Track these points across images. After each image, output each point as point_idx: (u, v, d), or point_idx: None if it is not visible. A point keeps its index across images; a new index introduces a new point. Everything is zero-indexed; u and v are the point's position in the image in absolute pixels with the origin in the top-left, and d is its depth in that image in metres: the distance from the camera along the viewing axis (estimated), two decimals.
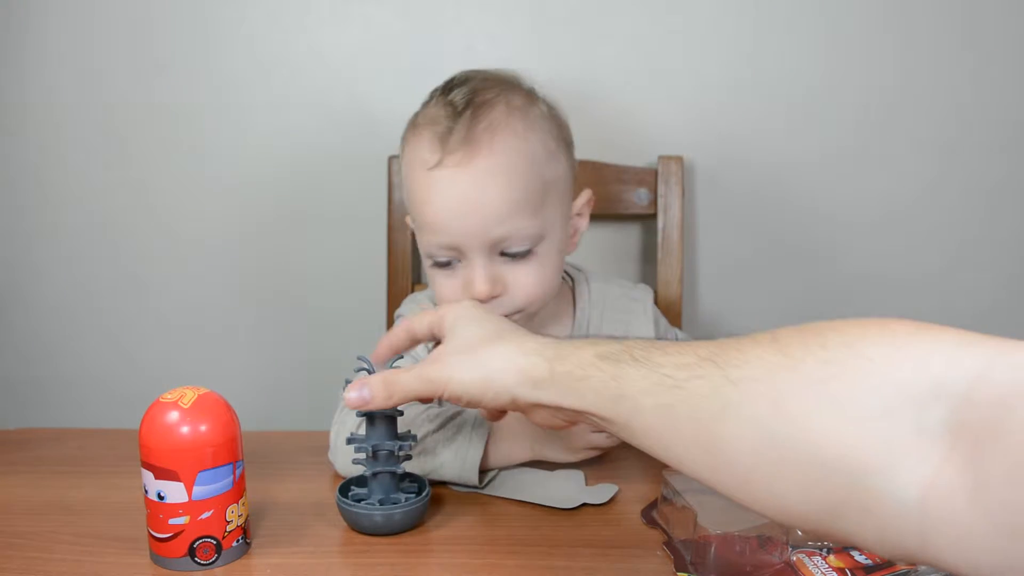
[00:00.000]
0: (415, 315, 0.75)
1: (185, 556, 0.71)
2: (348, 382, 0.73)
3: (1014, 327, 1.32)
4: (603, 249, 1.34)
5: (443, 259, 0.91)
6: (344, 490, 0.80)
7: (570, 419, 0.64)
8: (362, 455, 0.77)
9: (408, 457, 0.79)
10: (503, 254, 0.90)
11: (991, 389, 0.43)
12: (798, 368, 0.49)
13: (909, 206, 1.31)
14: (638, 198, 1.27)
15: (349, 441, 0.78)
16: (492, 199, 0.87)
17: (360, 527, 0.77)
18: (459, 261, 0.91)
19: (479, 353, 0.66)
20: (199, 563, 0.71)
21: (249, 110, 1.31)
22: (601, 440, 0.86)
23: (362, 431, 0.81)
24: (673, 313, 1.23)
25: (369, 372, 0.74)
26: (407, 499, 0.77)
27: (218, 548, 0.72)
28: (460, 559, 0.73)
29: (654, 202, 1.26)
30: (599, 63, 1.28)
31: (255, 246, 1.35)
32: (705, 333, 1.34)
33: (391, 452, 0.77)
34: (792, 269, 1.33)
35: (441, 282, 0.93)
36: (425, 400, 0.76)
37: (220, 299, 1.37)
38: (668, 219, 1.26)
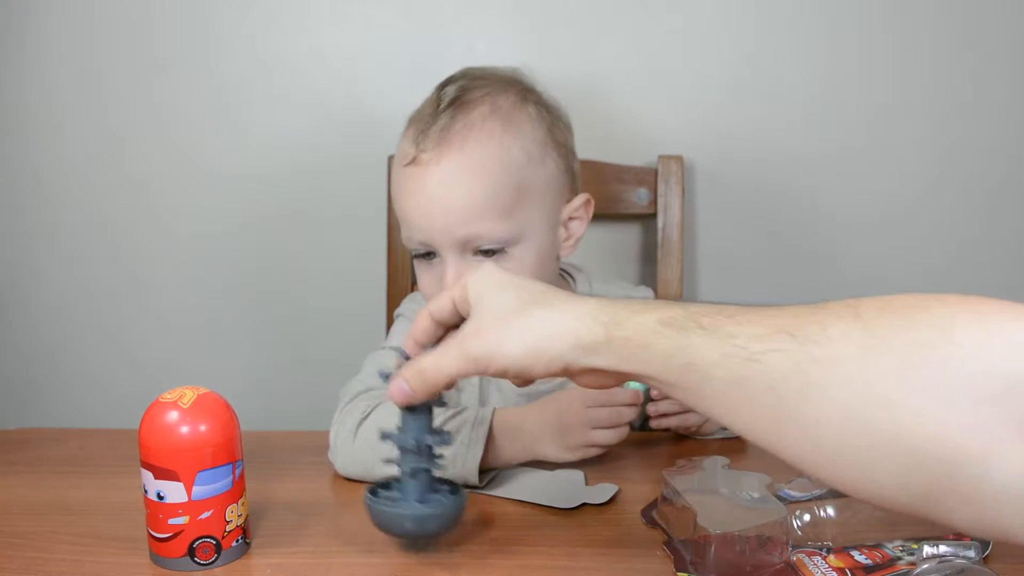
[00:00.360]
0: (432, 301, 0.68)
1: (185, 556, 0.71)
2: (385, 376, 0.68)
3: None
4: (603, 249, 1.34)
5: (420, 251, 0.93)
6: (373, 494, 0.73)
7: (625, 380, 0.60)
8: (396, 452, 0.71)
9: (442, 456, 0.72)
10: (476, 252, 0.90)
11: None
12: (887, 350, 0.47)
13: (909, 205, 1.31)
14: (638, 198, 1.27)
15: (384, 437, 0.71)
16: (456, 199, 0.88)
17: (402, 530, 0.71)
18: (437, 255, 0.92)
19: (522, 321, 0.60)
20: (199, 563, 0.71)
21: (249, 110, 1.31)
22: (602, 438, 0.86)
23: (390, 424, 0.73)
24: None
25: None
26: (444, 499, 0.71)
27: (218, 548, 0.72)
28: (460, 559, 0.73)
29: (654, 202, 1.26)
30: (599, 63, 1.28)
31: (255, 246, 1.35)
32: None
33: (430, 449, 0.70)
34: (792, 268, 1.33)
35: (422, 275, 0.95)
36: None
37: (220, 299, 1.37)
38: (668, 219, 1.26)
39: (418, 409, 0.69)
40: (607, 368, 0.58)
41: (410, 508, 0.70)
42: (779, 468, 0.86)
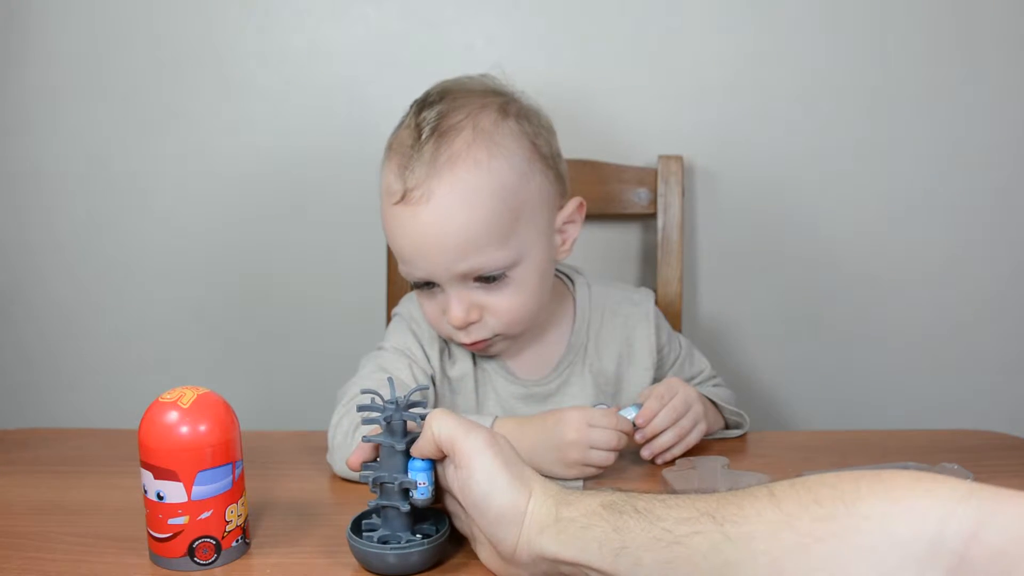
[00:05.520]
0: (442, 429, 0.68)
1: (184, 556, 0.71)
2: (365, 408, 0.71)
3: (1017, 325, 1.32)
4: (603, 249, 1.34)
5: (420, 282, 0.92)
6: (356, 526, 0.73)
7: (562, 572, 0.62)
8: (372, 483, 0.71)
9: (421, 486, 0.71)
10: (477, 280, 0.90)
11: (986, 547, 0.44)
12: (794, 526, 0.49)
13: (909, 206, 1.31)
14: (638, 198, 1.27)
15: (364, 467, 0.72)
16: (451, 235, 0.87)
17: (371, 567, 0.70)
18: (437, 286, 0.92)
19: (493, 489, 0.64)
20: (198, 563, 0.71)
21: (249, 110, 1.31)
22: (599, 459, 0.85)
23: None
24: (673, 313, 1.23)
25: (384, 412, 0.71)
26: (422, 538, 0.71)
27: (217, 548, 0.72)
28: (459, 558, 0.73)
29: (654, 202, 1.26)
30: (599, 63, 1.28)
31: (255, 246, 1.35)
32: (705, 333, 1.34)
33: (407, 492, 0.70)
34: (792, 269, 1.33)
35: (423, 302, 0.95)
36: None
37: (220, 299, 1.37)
38: (668, 219, 1.26)
39: (399, 449, 0.70)
40: (551, 555, 0.61)
41: (388, 548, 0.69)
42: (779, 468, 0.86)
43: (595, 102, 1.28)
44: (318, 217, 1.34)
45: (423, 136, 0.88)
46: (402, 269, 0.93)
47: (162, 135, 1.32)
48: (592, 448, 0.84)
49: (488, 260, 0.89)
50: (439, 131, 0.88)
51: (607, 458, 0.85)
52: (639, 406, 0.89)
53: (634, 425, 0.89)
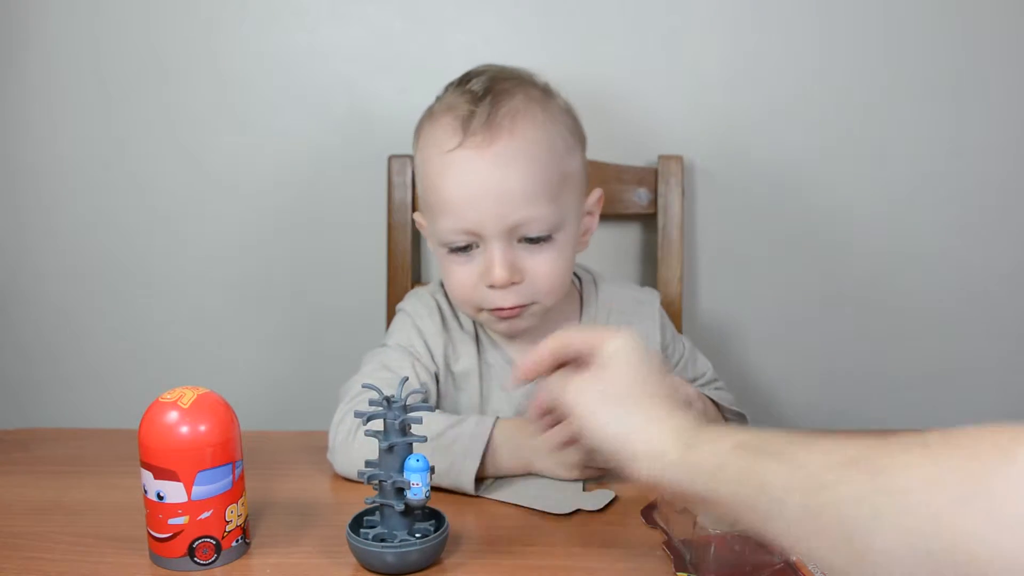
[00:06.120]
0: (569, 333, 0.72)
1: (184, 556, 0.71)
2: (361, 414, 0.71)
3: (1018, 325, 1.32)
4: (603, 249, 1.34)
5: (460, 243, 0.90)
6: (357, 523, 0.74)
7: (690, 506, 0.64)
8: (368, 481, 0.72)
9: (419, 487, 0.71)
10: (520, 240, 0.89)
11: None
12: (952, 480, 0.48)
13: (909, 205, 1.31)
14: (638, 198, 1.27)
15: (367, 464, 0.73)
16: (511, 183, 0.87)
17: (370, 566, 0.71)
18: (476, 246, 0.90)
19: (623, 409, 0.66)
20: (198, 563, 0.71)
21: (249, 109, 1.31)
22: (600, 459, 0.84)
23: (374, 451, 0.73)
24: (673, 313, 1.23)
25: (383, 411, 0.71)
26: (422, 536, 0.71)
27: (217, 548, 0.72)
28: (459, 559, 0.73)
29: (654, 202, 1.26)
30: (599, 63, 1.28)
31: (255, 246, 1.35)
32: (705, 332, 1.34)
33: (401, 491, 0.71)
34: (792, 269, 1.33)
35: (455, 269, 0.92)
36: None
37: (220, 298, 1.37)
38: (668, 219, 1.26)
39: (397, 447, 0.71)
40: (679, 487, 0.62)
41: (388, 546, 0.70)
42: None
43: (595, 102, 1.27)
44: (318, 216, 1.34)
45: (479, 94, 0.89)
46: (444, 226, 0.89)
47: (162, 135, 1.32)
48: (592, 448, 0.84)
49: (539, 215, 0.88)
50: (495, 91, 0.90)
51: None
52: None
53: None
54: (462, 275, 0.92)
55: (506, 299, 0.91)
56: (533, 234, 0.89)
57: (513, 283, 0.90)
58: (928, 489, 0.49)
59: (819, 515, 0.53)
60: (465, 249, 0.90)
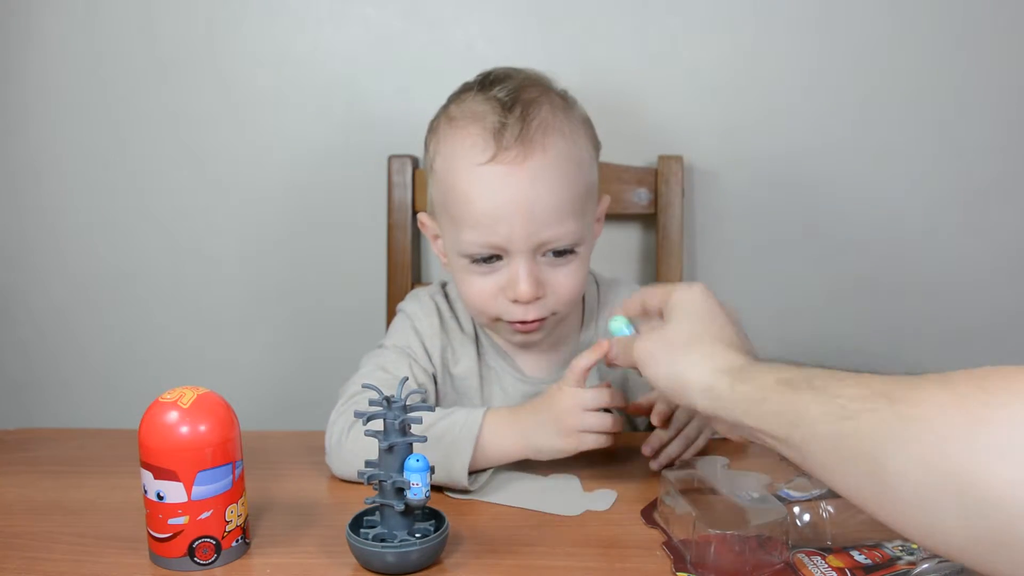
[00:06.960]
0: (645, 289, 0.80)
1: (184, 556, 0.71)
2: (361, 415, 0.71)
3: (1018, 325, 1.32)
4: (603, 249, 1.32)
5: (484, 255, 0.89)
6: (357, 523, 0.74)
7: (745, 436, 0.67)
8: (368, 481, 0.72)
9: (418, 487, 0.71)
10: (544, 254, 0.89)
11: None
12: (962, 408, 0.51)
13: (909, 205, 1.31)
14: (638, 198, 1.27)
15: (367, 464, 0.72)
16: (544, 201, 0.86)
17: (369, 566, 0.71)
18: (499, 258, 0.89)
19: (680, 352, 0.71)
20: (198, 563, 0.71)
21: (249, 110, 1.31)
22: (594, 420, 0.83)
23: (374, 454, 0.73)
24: None
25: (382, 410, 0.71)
26: (422, 536, 0.71)
27: (217, 548, 0.72)
28: (459, 559, 0.73)
29: (654, 202, 1.26)
30: (599, 63, 1.28)
31: (255, 246, 1.35)
32: None
33: (401, 491, 0.71)
34: (792, 269, 1.33)
35: (474, 280, 0.91)
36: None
37: (219, 299, 1.37)
38: (668, 219, 1.26)
39: (396, 448, 0.71)
40: (729, 419, 0.67)
41: (388, 546, 0.70)
42: (779, 468, 0.86)
43: (595, 102, 1.27)
44: (318, 217, 1.34)
45: (507, 104, 0.88)
46: (469, 238, 0.88)
47: (162, 135, 1.32)
48: (586, 411, 0.83)
49: (567, 231, 0.88)
50: (522, 101, 0.88)
51: (604, 420, 0.83)
52: (628, 322, 0.83)
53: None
54: (482, 286, 0.91)
55: (528, 313, 0.90)
56: (559, 248, 0.89)
57: (538, 298, 0.89)
58: (939, 418, 0.51)
59: (844, 443, 0.56)
60: (487, 260, 0.89)
